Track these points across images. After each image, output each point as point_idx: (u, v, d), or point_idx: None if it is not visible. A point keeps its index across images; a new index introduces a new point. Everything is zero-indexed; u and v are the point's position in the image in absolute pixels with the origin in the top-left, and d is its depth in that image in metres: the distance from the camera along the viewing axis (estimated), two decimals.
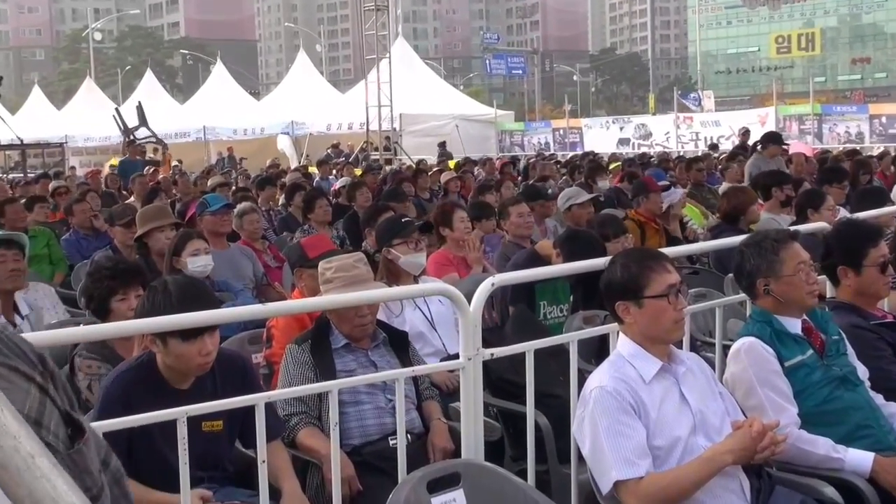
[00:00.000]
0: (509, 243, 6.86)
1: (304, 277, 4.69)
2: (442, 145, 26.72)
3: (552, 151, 30.31)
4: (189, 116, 34.22)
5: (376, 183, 13.52)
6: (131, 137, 19.74)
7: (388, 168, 19.56)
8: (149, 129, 21.35)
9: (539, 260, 5.51)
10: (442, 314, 4.90)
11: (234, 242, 7.09)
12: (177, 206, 11.27)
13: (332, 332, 3.87)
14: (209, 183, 12.51)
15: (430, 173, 14.09)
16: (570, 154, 26.69)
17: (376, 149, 26.43)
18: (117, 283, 4.01)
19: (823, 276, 3.90)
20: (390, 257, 5.01)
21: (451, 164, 19.98)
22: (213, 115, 32.79)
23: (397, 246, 5.00)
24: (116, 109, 22.00)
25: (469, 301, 3.28)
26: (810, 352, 3.41)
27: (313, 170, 19.98)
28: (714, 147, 19.60)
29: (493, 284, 3.36)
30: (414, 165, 19.73)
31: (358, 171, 17.41)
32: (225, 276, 6.07)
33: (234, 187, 13.42)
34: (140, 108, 21.79)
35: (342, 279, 3.93)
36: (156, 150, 17.94)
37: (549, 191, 8.70)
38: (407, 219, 5.34)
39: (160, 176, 13.76)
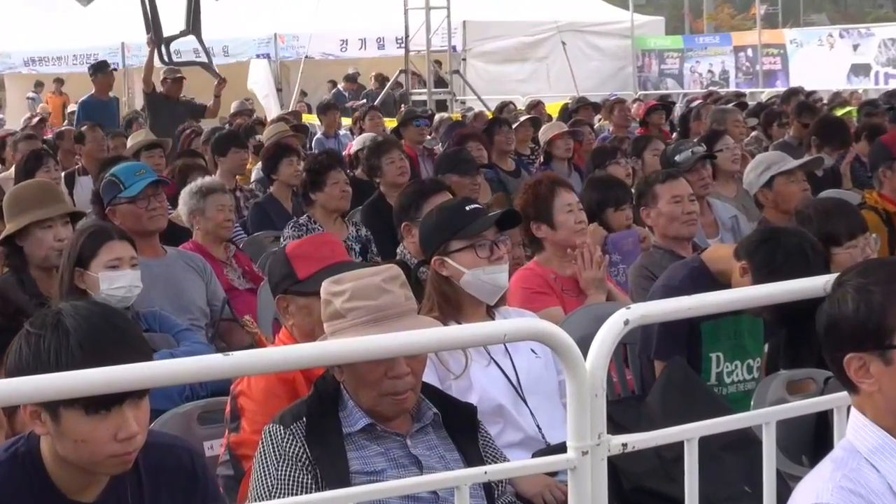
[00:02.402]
0: (656, 249, 6.87)
1: (294, 310, 4.70)
2: (351, 79, 26.15)
3: (733, 87, 30.11)
4: (95, 27, 34.53)
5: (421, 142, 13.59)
6: (161, 55, 18.62)
7: (440, 116, 19.60)
8: (200, 40, 20.34)
9: (709, 279, 5.49)
10: (536, 375, 4.92)
11: (176, 247, 7.16)
12: (77, 181, 11.49)
13: (345, 406, 3.90)
14: (129, 142, 12.62)
15: (516, 126, 14.08)
16: (766, 92, 26.50)
17: (422, 83, 26.52)
18: None
19: None
20: (446, 273, 5.04)
21: (552, 108, 19.91)
22: (136, 26, 33.04)
23: (458, 253, 5.03)
24: None
25: (585, 352, 3.28)
26: None
27: (311, 119, 20.09)
28: None
29: (626, 322, 3.36)
30: (489, 112, 19.75)
31: (390, 123, 17.50)
32: (159, 305, 6.14)
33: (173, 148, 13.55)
34: None
35: (361, 312, 3.93)
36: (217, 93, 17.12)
37: (682, 156, 8.22)
38: (475, 206, 5.36)
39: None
